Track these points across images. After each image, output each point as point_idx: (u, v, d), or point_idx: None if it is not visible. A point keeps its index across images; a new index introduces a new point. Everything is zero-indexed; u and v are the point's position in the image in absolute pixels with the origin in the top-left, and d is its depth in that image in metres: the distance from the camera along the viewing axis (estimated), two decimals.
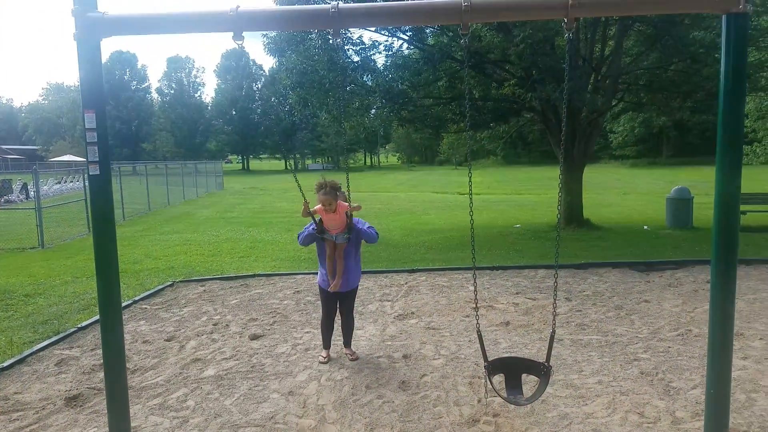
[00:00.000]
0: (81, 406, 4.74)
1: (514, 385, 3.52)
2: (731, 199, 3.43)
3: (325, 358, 5.45)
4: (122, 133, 78.83)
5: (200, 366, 5.49)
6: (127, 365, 5.54)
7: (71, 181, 33.77)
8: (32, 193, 15.60)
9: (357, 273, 5.47)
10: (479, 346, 3.60)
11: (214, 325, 6.76)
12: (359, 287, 5.74)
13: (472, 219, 3.81)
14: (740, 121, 3.53)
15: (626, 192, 26.82)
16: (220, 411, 4.51)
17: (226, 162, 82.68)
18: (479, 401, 4.48)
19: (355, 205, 4.96)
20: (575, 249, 10.87)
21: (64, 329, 6.71)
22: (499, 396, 3.50)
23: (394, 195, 28.61)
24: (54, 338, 6.37)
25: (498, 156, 62.73)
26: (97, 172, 3.71)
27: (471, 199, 3.86)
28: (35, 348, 6.05)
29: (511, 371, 3.55)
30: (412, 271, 9.21)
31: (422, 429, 4.09)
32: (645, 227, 13.97)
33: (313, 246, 5.51)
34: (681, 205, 13.74)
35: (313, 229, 5.23)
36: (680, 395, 4.51)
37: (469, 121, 4.22)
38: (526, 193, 27.99)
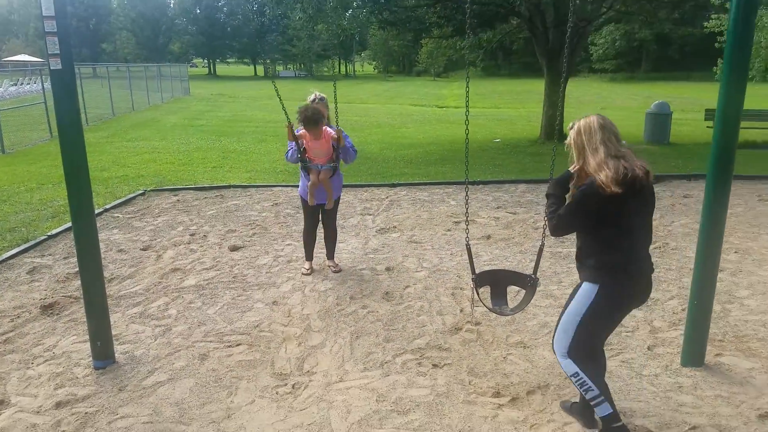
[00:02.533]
0: (57, 314, 4.64)
1: (499, 296, 3.51)
2: (735, 110, 3.34)
3: (308, 269, 5.41)
4: (80, 31, 73.72)
5: (180, 276, 5.39)
6: (104, 273, 5.43)
7: (28, 83, 31.90)
8: None
9: (339, 184, 5.32)
10: (468, 258, 3.56)
11: (191, 235, 6.61)
12: (340, 201, 5.61)
13: (467, 131, 3.65)
14: (750, 31, 3.37)
15: (604, 107, 26.67)
16: (204, 320, 4.47)
17: (191, 66, 78.68)
18: (461, 311, 4.53)
19: (338, 130, 4.89)
20: (557, 164, 10.83)
21: (34, 237, 6.49)
22: (485, 306, 3.51)
23: (370, 107, 27.92)
24: (24, 246, 6.16)
25: (477, 68, 61.18)
26: (59, 66, 3.38)
27: (467, 109, 3.68)
28: (5, 256, 5.85)
29: (497, 283, 3.53)
30: (393, 185, 9.09)
31: (406, 337, 4.13)
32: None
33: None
34: (660, 120, 13.73)
35: (298, 155, 4.98)
36: (657, 306, 4.63)
37: (468, 19, 3.93)
38: (505, 106, 27.56)
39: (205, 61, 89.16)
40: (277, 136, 15.20)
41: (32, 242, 6.30)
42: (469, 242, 3.65)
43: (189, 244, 6.31)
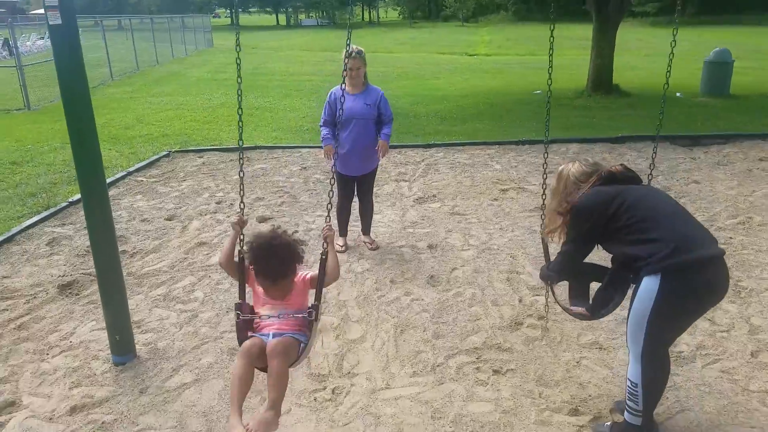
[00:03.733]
0: (76, 294, 4.30)
1: (579, 294, 2.97)
2: None
3: (342, 246, 4.95)
4: None
5: (206, 251, 4.99)
6: (125, 247, 5.07)
7: None
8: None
9: (376, 152, 4.78)
10: (543, 250, 3.03)
11: (217, 203, 6.18)
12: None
13: (550, 75, 3.07)
14: None
15: (648, 53, 25.08)
16: (232, 305, 4.04)
17: (214, 16, 77.31)
18: (520, 301, 4.03)
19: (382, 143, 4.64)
20: (604, 119, 10.05)
21: (55, 203, 6.16)
22: (564, 310, 2.98)
23: (397, 56, 26.81)
24: (44, 213, 5.84)
25: (509, 11, 58.33)
26: (59, 21, 2.87)
27: (551, 48, 3.02)
28: (24, 224, 5.54)
29: (578, 278, 2.98)
30: (428, 146, 8.45)
31: (459, 332, 3.66)
32: (678, 94, 12.94)
33: (319, 116, 4.80)
34: (720, 69, 12.48)
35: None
36: (753, 297, 4.02)
37: None
38: (542, 53, 26.09)
39: (227, 11, 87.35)
40: (300, 91, 14.56)
41: (52, 209, 5.97)
42: (542, 232, 3.09)
43: (215, 213, 5.89)
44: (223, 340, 3.63)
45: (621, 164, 2.79)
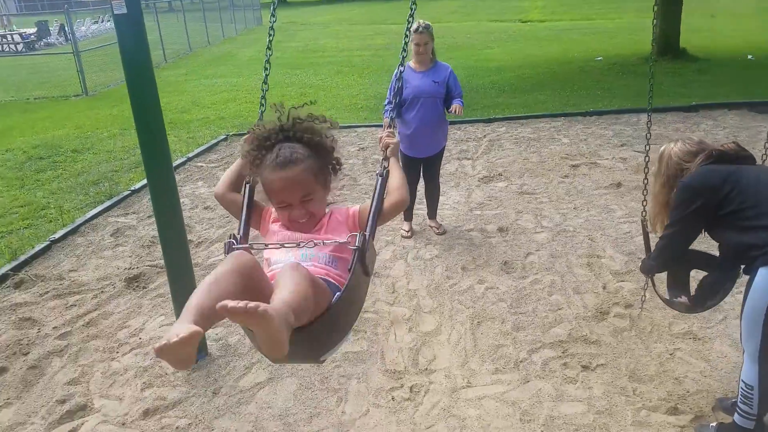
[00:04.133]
0: (144, 288, 4.29)
1: (678, 284, 2.69)
2: None
3: (408, 231, 4.76)
4: None
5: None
6: (191, 237, 5.03)
7: (109, 20, 32.23)
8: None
9: (443, 132, 4.53)
10: (643, 240, 2.75)
11: None
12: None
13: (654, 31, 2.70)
14: None
15: (713, 13, 23.45)
16: None
17: None
18: (604, 288, 3.74)
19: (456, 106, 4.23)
20: (674, 86, 9.37)
21: (117, 192, 6.21)
22: (667, 304, 2.70)
23: (446, 26, 26.05)
24: (107, 203, 5.89)
25: None
26: (124, 11, 2.76)
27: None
28: (88, 215, 5.59)
29: (680, 265, 2.68)
30: (489, 120, 8.07)
31: (540, 324, 3.43)
32: (749, 56, 12.00)
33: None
34: None
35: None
36: None
37: None
38: (599, 18, 24.85)
39: None
40: (352, 68, 14.28)
41: (115, 198, 6.01)
42: (644, 219, 2.80)
43: None
44: None
45: (733, 142, 2.52)
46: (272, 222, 1.71)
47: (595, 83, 10.06)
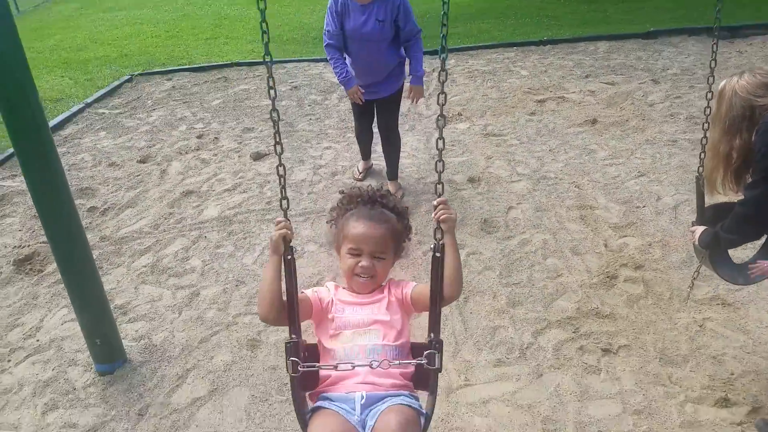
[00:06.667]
0: (39, 271, 3.40)
1: (721, 255, 2.18)
2: None
3: (360, 172, 4.08)
4: None
5: (195, 202, 4.04)
6: (94, 202, 4.11)
7: None
8: None
9: (399, 71, 3.74)
10: (696, 201, 2.18)
11: (198, 137, 5.13)
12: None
13: None
14: None
15: None
16: (242, 275, 3.19)
17: None
18: (606, 245, 3.22)
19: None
20: (622, 13, 8.88)
21: (2, 149, 5.05)
22: (716, 274, 2.18)
23: None
24: None
25: None
26: None
27: None
28: None
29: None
30: (435, 52, 7.27)
31: (540, 296, 2.87)
32: None
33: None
34: None
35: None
36: None
37: None
38: None
39: None
40: None
41: (1, 156, 4.88)
42: (699, 176, 2.19)
43: (198, 150, 4.87)
44: (238, 328, 2.80)
45: None
46: (337, 302, 1.61)
47: (538, 10, 9.41)
